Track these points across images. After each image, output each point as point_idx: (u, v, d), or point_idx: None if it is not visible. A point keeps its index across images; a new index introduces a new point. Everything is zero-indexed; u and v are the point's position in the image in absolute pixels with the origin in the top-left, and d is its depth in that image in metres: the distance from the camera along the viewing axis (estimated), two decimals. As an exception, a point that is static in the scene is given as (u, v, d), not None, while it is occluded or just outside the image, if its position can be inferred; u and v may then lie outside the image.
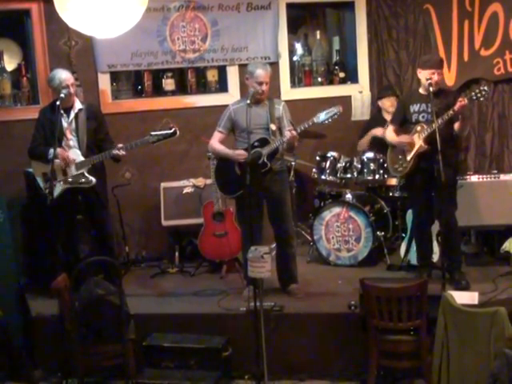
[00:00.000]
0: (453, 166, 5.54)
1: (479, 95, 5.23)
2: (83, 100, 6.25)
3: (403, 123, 5.70)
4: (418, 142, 5.44)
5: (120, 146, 5.61)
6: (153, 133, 5.61)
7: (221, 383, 5.14)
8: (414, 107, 5.57)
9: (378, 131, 6.68)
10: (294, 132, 5.37)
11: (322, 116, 5.37)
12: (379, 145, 6.40)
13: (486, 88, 5.25)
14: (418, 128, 5.47)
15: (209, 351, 5.19)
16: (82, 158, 5.70)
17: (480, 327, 4.12)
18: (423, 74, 5.49)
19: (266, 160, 5.47)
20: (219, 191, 6.08)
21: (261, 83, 5.47)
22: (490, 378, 3.62)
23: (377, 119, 7.01)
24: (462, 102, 5.22)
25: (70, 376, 5.24)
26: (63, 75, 5.72)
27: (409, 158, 5.55)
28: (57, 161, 5.56)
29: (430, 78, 5.39)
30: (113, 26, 4.86)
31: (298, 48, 7.87)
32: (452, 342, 4.39)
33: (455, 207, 5.58)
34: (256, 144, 5.48)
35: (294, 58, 7.74)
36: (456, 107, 5.24)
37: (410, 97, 5.74)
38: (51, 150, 5.57)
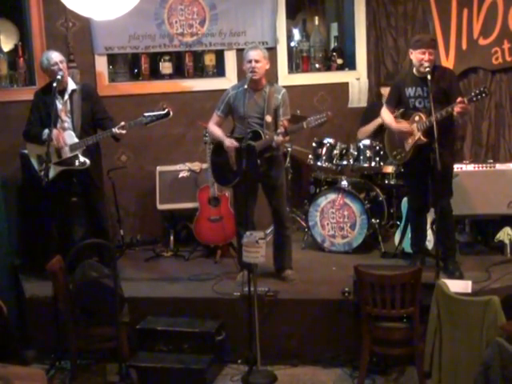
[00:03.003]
0: (450, 155, 5.55)
1: (479, 96, 5.18)
2: (80, 82, 6.22)
3: (398, 104, 5.68)
4: (417, 133, 5.42)
5: (122, 124, 5.59)
6: (146, 114, 5.59)
7: (213, 367, 5.16)
8: (410, 91, 5.51)
9: None
10: (280, 138, 5.41)
11: (312, 122, 5.39)
12: (384, 133, 6.35)
13: (485, 90, 5.19)
14: (417, 118, 5.43)
15: (202, 335, 5.21)
16: (76, 140, 5.68)
17: (473, 316, 4.14)
18: (414, 55, 5.42)
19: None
20: (215, 182, 6.11)
21: (250, 61, 5.49)
22: (481, 365, 3.65)
23: (377, 106, 6.97)
24: (461, 103, 5.14)
25: (63, 358, 5.27)
26: (51, 54, 5.71)
27: (407, 148, 5.53)
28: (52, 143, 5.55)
29: (422, 59, 5.34)
30: (111, 8, 4.81)
31: (296, 34, 7.85)
32: (445, 330, 4.41)
33: (450, 195, 5.58)
34: (249, 136, 5.48)
35: (292, 44, 7.72)
36: (456, 110, 5.18)
37: (405, 79, 5.64)
38: (45, 131, 5.57)
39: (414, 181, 5.72)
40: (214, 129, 5.75)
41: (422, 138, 5.39)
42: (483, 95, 5.17)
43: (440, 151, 5.03)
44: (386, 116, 5.73)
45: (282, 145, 5.63)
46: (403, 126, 5.54)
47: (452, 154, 5.68)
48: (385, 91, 6.88)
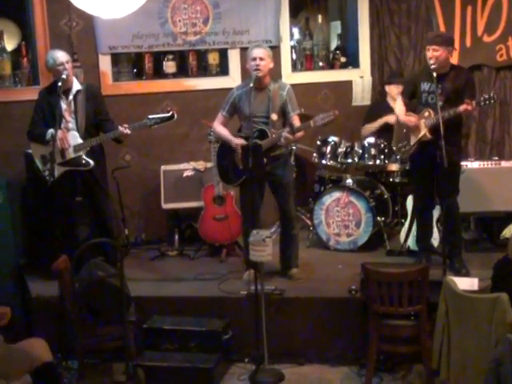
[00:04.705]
0: (457, 153, 5.55)
1: (487, 102, 5.22)
2: (83, 81, 6.21)
3: (412, 98, 5.67)
4: (423, 129, 5.42)
5: (125, 125, 5.57)
6: (150, 116, 5.58)
7: (220, 366, 5.16)
8: (425, 86, 5.50)
9: (391, 118, 6.46)
10: (290, 137, 5.38)
11: (318, 120, 5.36)
12: (388, 131, 6.35)
13: (494, 96, 5.23)
14: (426, 114, 5.43)
15: (209, 334, 5.21)
16: (80, 141, 5.67)
17: (481, 313, 4.12)
18: (426, 52, 5.47)
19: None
20: (221, 181, 6.10)
21: (254, 59, 5.47)
22: (492, 363, 3.64)
23: (381, 104, 6.97)
24: (468, 105, 5.17)
25: (70, 357, 5.26)
26: (57, 54, 5.69)
27: (412, 142, 5.54)
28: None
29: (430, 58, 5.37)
30: (118, 7, 4.79)
31: (296, 32, 7.82)
32: (453, 328, 4.40)
33: (457, 192, 5.58)
34: (256, 135, 5.47)
35: (292, 43, 7.66)
36: (461, 110, 5.21)
37: (422, 73, 5.65)
38: (49, 131, 5.56)
39: (421, 178, 5.71)
40: (220, 129, 5.73)
41: (427, 134, 5.39)
42: (492, 101, 5.22)
43: (447, 149, 5.04)
44: (399, 106, 5.73)
45: (290, 142, 5.59)
46: (411, 119, 5.53)
47: (459, 152, 5.67)
48: (389, 89, 6.89)
